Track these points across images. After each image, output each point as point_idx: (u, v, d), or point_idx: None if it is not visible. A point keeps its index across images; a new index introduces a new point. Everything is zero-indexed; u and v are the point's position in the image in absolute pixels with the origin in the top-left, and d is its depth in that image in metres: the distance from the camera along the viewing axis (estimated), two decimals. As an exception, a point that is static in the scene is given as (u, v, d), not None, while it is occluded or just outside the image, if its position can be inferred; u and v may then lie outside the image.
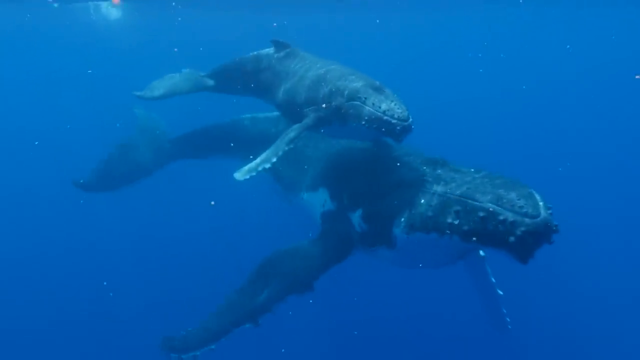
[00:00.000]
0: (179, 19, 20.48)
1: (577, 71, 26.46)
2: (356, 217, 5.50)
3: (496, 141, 18.00)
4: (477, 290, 6.95)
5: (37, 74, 24.49)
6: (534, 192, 4.24)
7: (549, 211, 4.08)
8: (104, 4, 20.49)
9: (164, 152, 8.18)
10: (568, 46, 27.13)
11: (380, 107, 5.00)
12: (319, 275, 5.50)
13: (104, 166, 7.97)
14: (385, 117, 4.96)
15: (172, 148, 8.19)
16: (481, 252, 6.18)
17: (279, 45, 6.70)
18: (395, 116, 4.94)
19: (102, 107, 17.17)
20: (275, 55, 6.69)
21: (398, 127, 4.93)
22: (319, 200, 6.20)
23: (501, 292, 6.75)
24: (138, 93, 7.45)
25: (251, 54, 6.98)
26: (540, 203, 4.10)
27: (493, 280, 6.63)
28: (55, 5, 19.13)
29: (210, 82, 7.37)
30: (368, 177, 5.57)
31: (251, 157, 5.65)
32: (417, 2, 17.73)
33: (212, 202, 9.46)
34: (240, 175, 5.39)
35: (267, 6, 17.58)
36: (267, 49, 6.87)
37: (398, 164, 5.43)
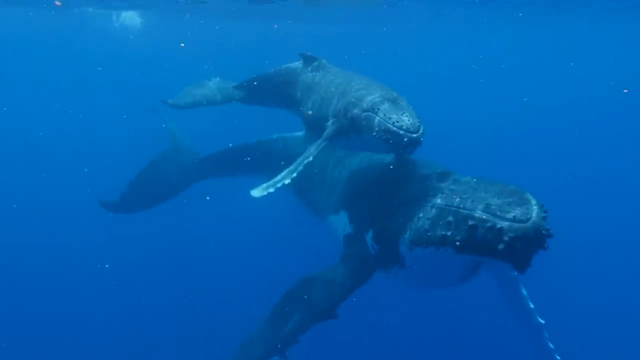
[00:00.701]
0: (190, 19, 20.62)
1: (577, 85, 26.63)
2: (369, 238, 5.47)
3: (499, 149, 18.01)
4: (517, 319, 6.21)
5: (58, 80, 24.78)
6: (529, 197, 4.03)
7: (542, 215, 3.86)
8: (123, 13, 20.94)
9: (192, 171, 8.19)
10: (572, 63, 27.31)
11: (390, 118, 4.95)
12: (341, 301, 5.40)
13: (132, 188, 7.94)
14: (393, 128, 4.90)
15: (200, 168, 8.20)
16: (512, 271, 5.87)
17: (307, 59, 6.80)
18: (404, 127, 4.87)
19: (125, 114, 17.31)
20: (303, 69, 6.79)
21: (405, 139, 4.85)
22: (340, 224, 6.18)
23: (542, 321, 6.00)
24: (169, 101, 7.54)
25: (280, 67, 7.08)
26: (534, 207, 3.89)
27: (531, 305, 5.97)
28: (58, 3, 19.34)
29: (240, 94, 7.48)
30: (379, 197, 5.50)
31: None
32: (421, 13, 17.92)
33: (208, 197, 9.42)
34: (257, 192, 5.33)
35: (274, 14, 17.85)
36: (296, 62, 6.99)
37: (407, 181, 5.31)
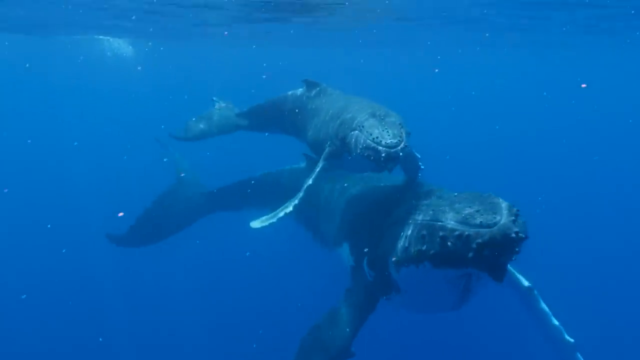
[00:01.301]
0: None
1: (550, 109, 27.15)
2: (365, 266, 5.40)
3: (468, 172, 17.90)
4: (548, 341, 5.67)
5: (55, 110, 24.57)
6: (499, 202, 3.94)
7: (512, 218, 3.74)
8: (114, 42, 21.03)
9: (199, 206, 8.21)
10: (545, 93, 27.91)
11: (371, 135, 4.98)
12: (353, 337, 5.29)
13: (141, 222, 7.91)
14: (373, 144, 4.93)
15: (208, 202, 8.21)
16: (524, 282, 5.55)
17: (310, 85, 6.88)
18: (382, 143, 4.89)
19: (127, 146, 17.22)
20: (306, 95, 6.88)
21: (382, 154, 4.88)
22: (345, 255, 6.15)
23: (571, 339, 5.48)
24: (175, 135, 7.60)
25: (283, 94, 7.17)
26: (503, 212, 3.79)
27: (555, 322, 5.54)
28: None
29: (245, 122, 7.56)
30: (372, 224, 5.46)
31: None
32: (395, 41, 18.28)
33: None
34: (257, 223, 5.40)
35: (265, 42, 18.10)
36: (299, 89, 7.06)
37: (398, 204, 5.23)
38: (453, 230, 3.87)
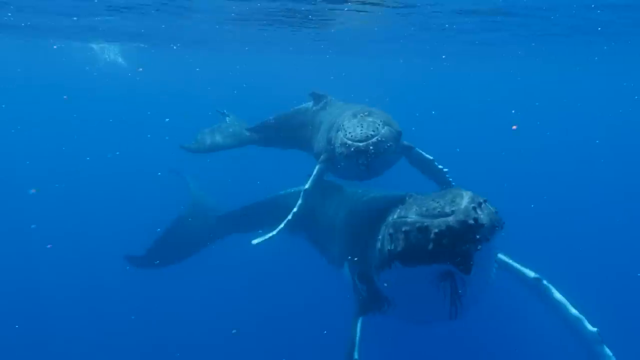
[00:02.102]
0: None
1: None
2: (357, 281, 5.34)
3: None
4: (573, 335, 5.15)
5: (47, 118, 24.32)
6: (462, 192, 3.94)
7: (472, 206, 3.73)
8: (106, 48, 20.89)
9: (215, 229, 8.23)
10: (513, 114, 28.14)
11: (345, 130, 5.02)
12: (353, 345, 5.09)
13: (158, 244, 7.95)
14: (345, 140, 4.96)
15: (223, 224, 8.22)
16: (530, 274, 5.24)
17: (317, 98, 7.00)
18: (351, 137, 4.90)
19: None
20: (313, 108, 7.00)
21: (352, 149, 4.92)
22: (346, 275, 6.09)
23: (593, 328, 4.92)
24: (185, 146, 7.66)
25: (292, 108, 7.28)
26: (464, 200, 3.79)
27: (574, 311, 5.04)
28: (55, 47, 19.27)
29: (254, 137, 7.63)
30: (365, 240, 5.32)
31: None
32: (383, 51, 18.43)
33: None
34: (258, 240, 5.56)
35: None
36: (307, 103, 7.19)
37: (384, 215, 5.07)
38: (414, 223, 3.86)
